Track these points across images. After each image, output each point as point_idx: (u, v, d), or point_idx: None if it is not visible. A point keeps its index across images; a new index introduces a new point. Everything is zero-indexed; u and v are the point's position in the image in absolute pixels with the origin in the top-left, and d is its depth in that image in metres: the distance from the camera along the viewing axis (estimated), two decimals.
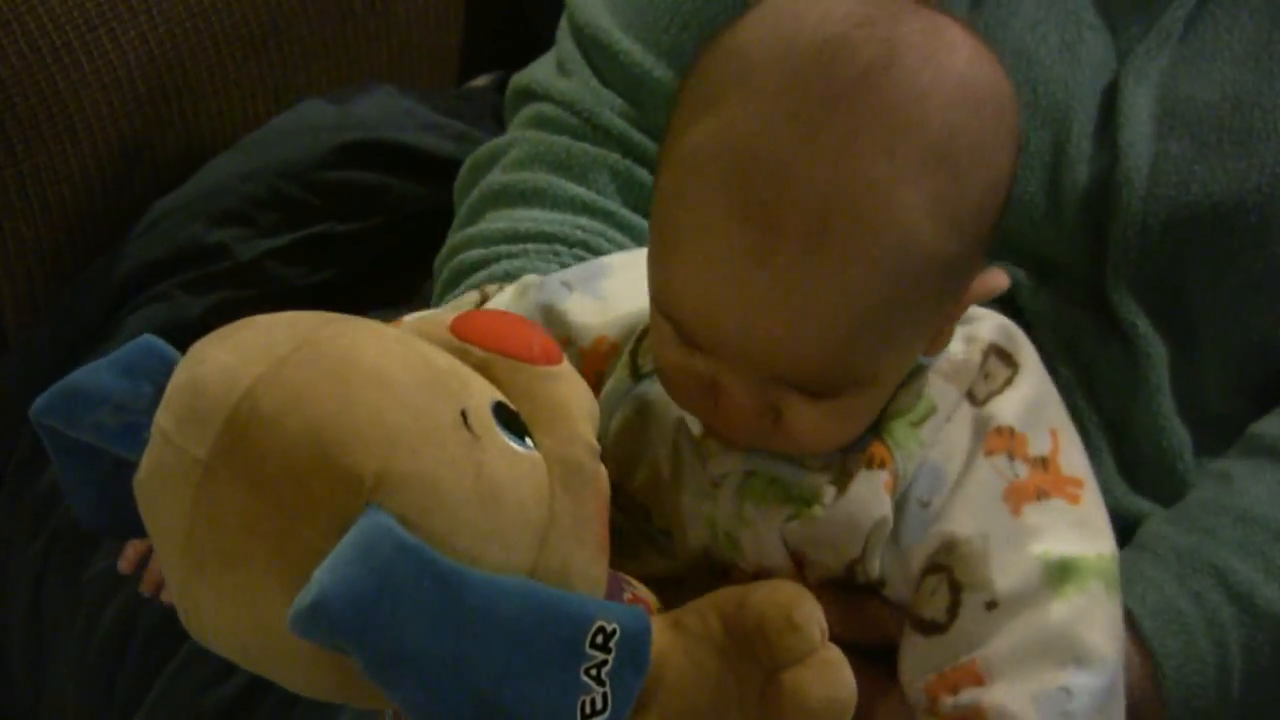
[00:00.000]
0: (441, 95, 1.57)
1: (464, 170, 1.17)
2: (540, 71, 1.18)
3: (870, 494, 0.84)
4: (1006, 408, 0.86)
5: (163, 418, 0.76)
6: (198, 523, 0.74)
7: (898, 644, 0.86)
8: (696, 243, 0.79)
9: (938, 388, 0.86)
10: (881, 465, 0.85)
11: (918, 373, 0.85)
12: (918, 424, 0.86)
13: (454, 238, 1.12)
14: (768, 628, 0.77)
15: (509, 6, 1.65)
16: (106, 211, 1.39)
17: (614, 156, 1.11)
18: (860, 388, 0.81)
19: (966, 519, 0.84)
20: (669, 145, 0.81)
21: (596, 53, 1.14)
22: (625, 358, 0.90)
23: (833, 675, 0.78)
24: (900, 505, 0.85)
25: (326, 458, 0.72)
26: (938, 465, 0.86)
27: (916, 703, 0.84)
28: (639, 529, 0.90)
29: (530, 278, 0.96)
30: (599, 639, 0.74)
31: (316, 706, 1.08)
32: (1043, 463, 0.85)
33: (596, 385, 0.90)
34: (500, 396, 0.78)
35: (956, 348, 0.87)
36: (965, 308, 0.85)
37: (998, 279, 0.85)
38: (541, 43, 1.20)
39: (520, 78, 1.19)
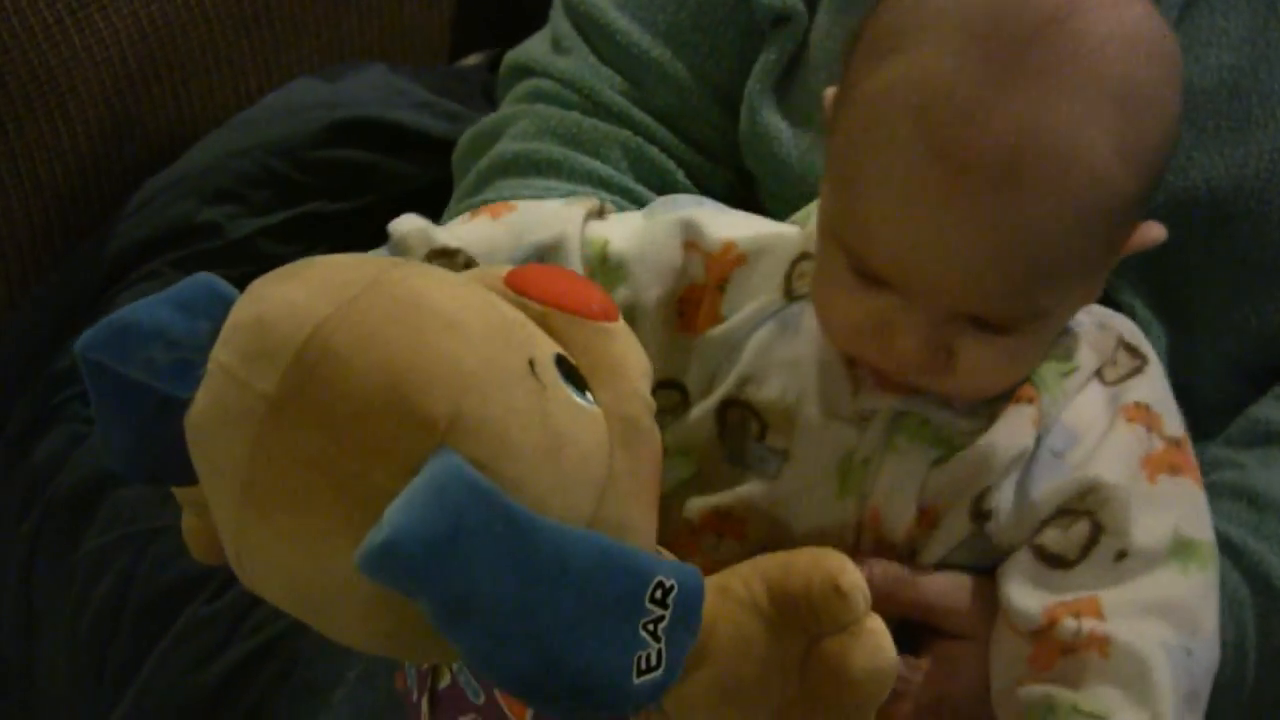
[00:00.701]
0: (433, 74, 1.56)
1: (464, 141, 1.17)
2: (536, 48, 1.18)
3: (1018, 425, 0.86)
4: (1141, 389, 0.88)
5: (224, 353, 0.75)
6: (259, 461, 0.73)
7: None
8: (888, 181, 0.81)
9: (1082, 350, 0.89)
10: (1030, 401, 0.87)
11: (1068, 332, 0.88)
12: (1064, 375, 0.88)
13: (458, 206, 1.11)
14: (813, 594, 0.76)
15: None
16: (98, 189, 1.39)
17: (624, 133, 1.11)
18: (1036, 323, 0.84)
19: (1113, 470, 0.86)
20: (850, 89, 0.84)
21: (593, 31, 1.14)
22: (779, 279, 0.90)
23: (876, 644, 0.77)
24: (1035, 449, 0.87)
25: (400, 398, 0.71)
26: (1071, 425, 0.87)
27: (1026, 623, 0.85)
28: (745, 449, 0.90)
29: (660, 201, 0.97)
30: (658, 594, 0.74)
31: (308, 684, 1.12)
32: (1176, 443, 0.88)
33: (719, 291, 0.92)
34: (560, 350, 0.78)
35: (1093, 328, 0.90)
36: (1124, 254, 0.87)
37: (1157, 229, 0.87)
38: (533, 22, 1.20)
39: (515, 54, 1.19)
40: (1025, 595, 0.85)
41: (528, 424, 0.73)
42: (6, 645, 1.30)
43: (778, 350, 0.90)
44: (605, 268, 0.94)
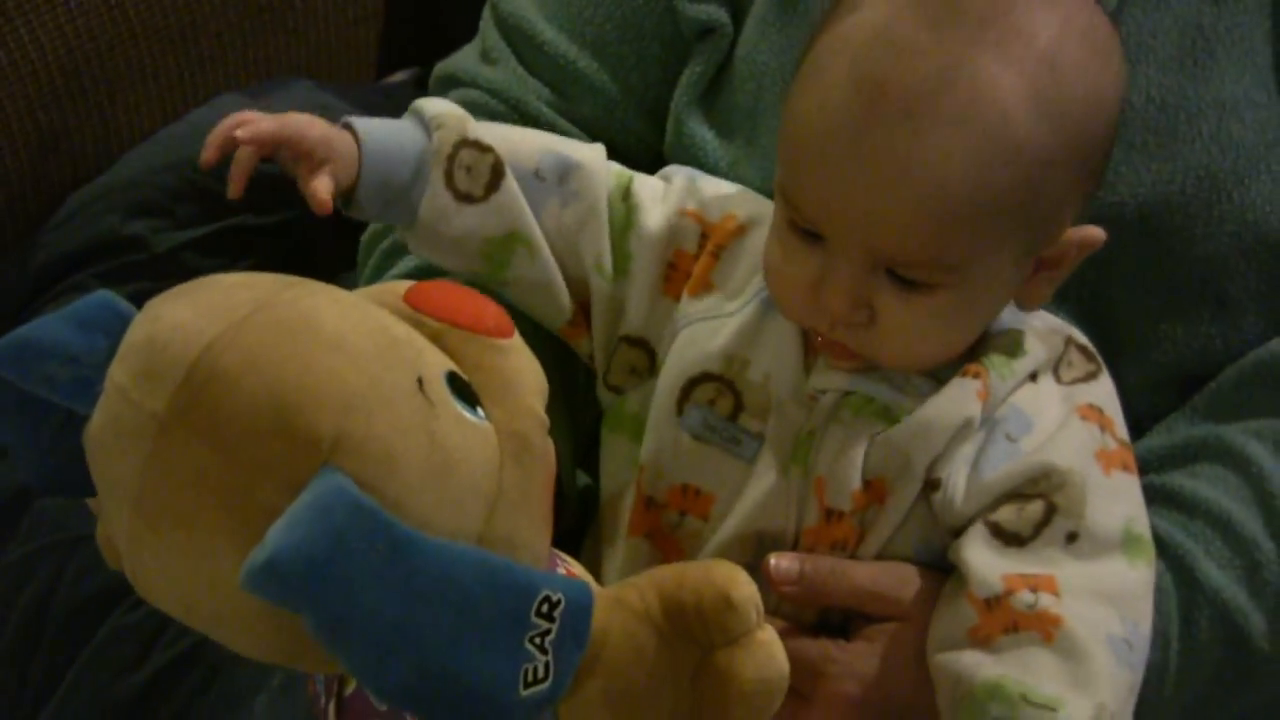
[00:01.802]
0: (359, 90, 1.57)
1: None
2: (465, 59, 1.17)
3: (961, 395, 0.89)
4: (1094, 393, 0.92)
5: (118, 372, 0.75)
6: (150, 479, 0.73)
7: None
8: (817, 115, 0.85)
9: (1029, 341, 0.92)
10: (975, 376, 0.89)
11: (1014, 330, 0.91)
12: (1011, 356, 0.91)
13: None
14: (705, 606, 0.77)
15: (426, 3, 1.66)
16: (23, 203, 1.39)
17: None
18: (953, 279, 0.86)
19: (1067, 457, 0.88)
20: (809, 48, 0.88)
21: (521, 42, 1.13)
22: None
23: (766, 656, 0.77)
24: (989, 432, 0.90)
25: (285, 418, 0.72)
26: (1027, 414, 0.90)
27: (984, 589, 0.86)
28: (713, 425, 0.92)
29: (668, 169, 1.00)
30: (544, 608, 0.74)
31: (230, 691, 1.12)
32: (1126, 445, 0.91)
33: (714, 258, 0.95)
34: (453, 366, 0.78)
35: (1041, 328, 0.93)
36: (1062, 262, 0.90)
37: (1095, 232, 0.90)
38: (458, 39, 1.20)
39: (444, 65, 1.19)
40: (986, 563, 0.87)
41: (413, 442, 0.74)
42: None
43: (760, 332, 0.92)
44: (626, 204, 0.97)
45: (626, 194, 0.98)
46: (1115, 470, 0.90)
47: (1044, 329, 0.93)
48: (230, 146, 0.95)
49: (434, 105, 0.97)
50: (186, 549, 0.73)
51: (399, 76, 1.66)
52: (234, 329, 0.73)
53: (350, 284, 1.08)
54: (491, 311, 0.81)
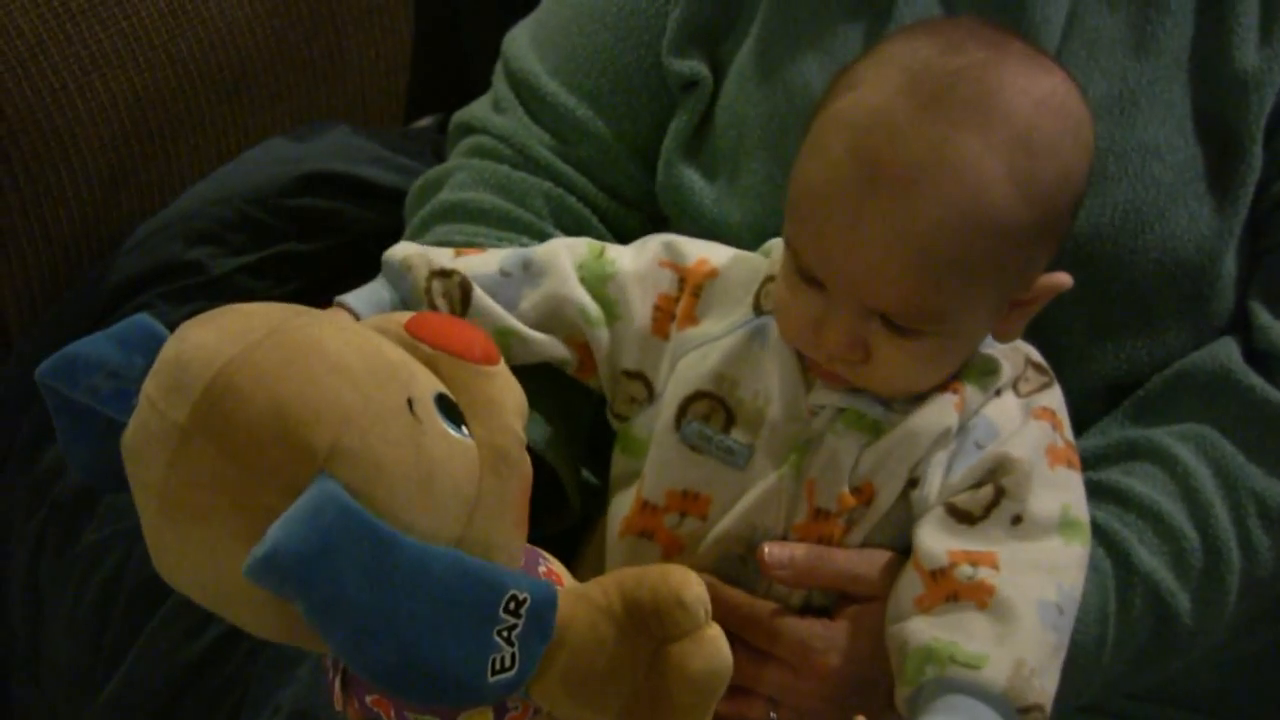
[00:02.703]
0: (389, 134, 1.58)
1: (414, 190, 1.18)
2: (479, 109, 1.20)
3: (940, 408, 0.92)
4: (1048, 399, 0.95)
5: (150, 386, 0.78)
6: (172, 479, 0.76)
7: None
8: (821, 183, 0.88)
9: (1000, 362, 0.95)
10: (954, 391, 0.93)
11: (986, 351, 0.94)
12: (984, 375, 0.94)
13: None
14: (660, 604, 0.79)
15: (450, 56, 1.66)
16: (97, 232, 1.40)
17: (546, 184, 1.13)
18: (938, 328, 0.89)
19: (1021, 450, 0.92)
20: (814, 120, 0.90)
21: (527, 94, 1.16)
22: (750, 296, 0.96)
23: (713, 649, 0.79)
24: (961, 441, 0.92)
25: (287, 430, 0.74)
26: (993, 422, 0.93)
27: (930, 561, 0.90)
28: (708, 438, 0.94)
29: (645, 238, 1.01)
30: (511, 605, 0.76)
31: (278, 659, 1.14)
32: (1072, 445, 0.94)
33: (694, 296, 0.97)
34: (443, 388, 0.80)
35: (1006, 349, 0.95)
36: (1034, 301, 0.93)
37: (1063, 279, 0.92)
38: (478, 88, 1.23)
39: (461, 114, 1.21)
40: (934, 539, 0.90)
41: (400, 455, 0.76)
42: (17, 626, 1.32)
43: (750, 356, 0.94)
44: (600, 260, 0.99)
45: (600, 253, 1.00)
46: (1060, 466, 0.92)
47: (1008, 349, 0.95)
48: None
49: (400, 251, 0.99)
50: (201, 541, 0.76)
51: (424, 121, 1.67)
52: (248, 350, 0.76)
53: None
54: (480, 341, 0.83)
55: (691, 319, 0.97)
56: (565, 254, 0.99)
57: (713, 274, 0.98)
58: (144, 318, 0.82)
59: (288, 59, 1.50)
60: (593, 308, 0.98)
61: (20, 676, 1.33)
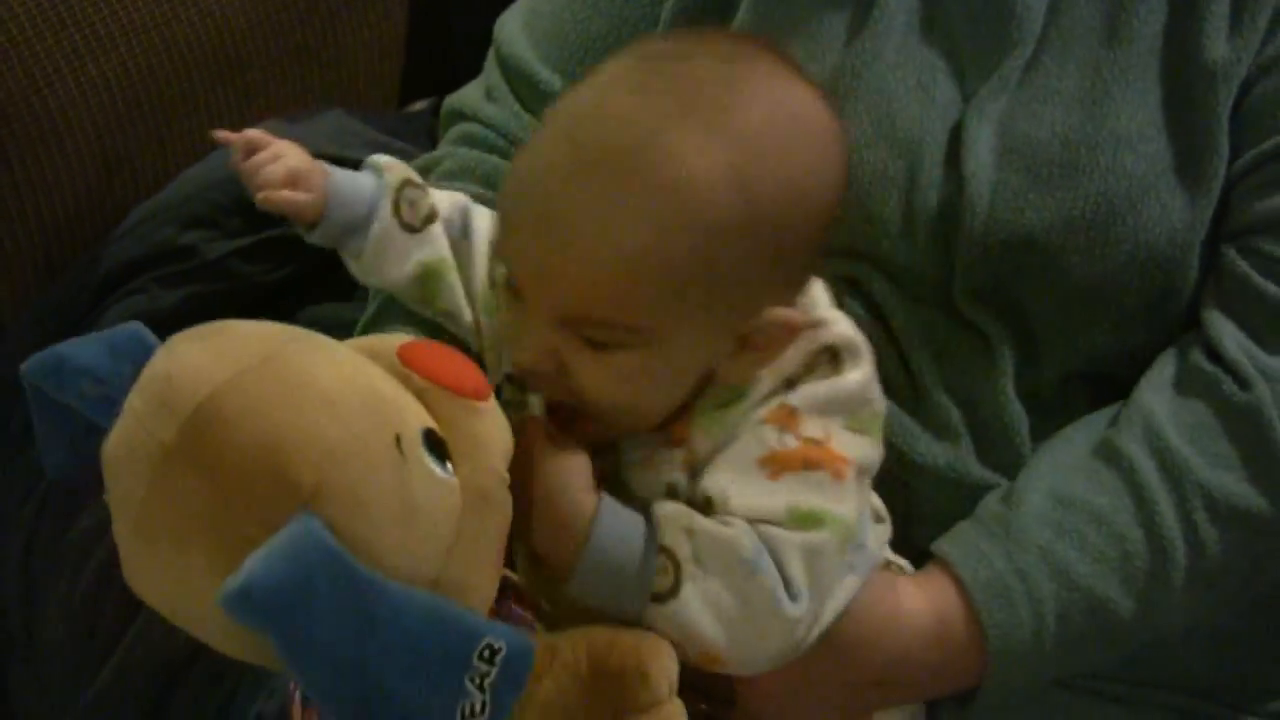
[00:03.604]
0: (384, 117, 1.58)
1: None
2: (470, 95, 1.20)
3: (664, 464, 0.91)
4: (806, 393, 0.90)
5: (137, 399, 0.77)
6: (152, 498, 0.76)
7: None
8: (524, 173, 0.86)
9: (755, 379, 0.90)
10: (680, 444, 0.91)
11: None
12: (722, 406, 0.90)
13: None
14: (625, 674, 0.80)
15: (443, 41, 1.66)
16: (90, 216, 1.40)
17: None
18: (634, 339, 0.86)
19: (718, 475, 0.89)
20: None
21: (519, 81, 1.16)
22: None
23: None
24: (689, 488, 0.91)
25: (273, 464, 0.74)
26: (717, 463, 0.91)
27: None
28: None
29: None
30: (486, 653, 0.75)
31: None
32: (816, 442, 0.89)
33: None
34: (431, 423, 0.80)
35: (790, 348, 0.91)
36: (767, 345, 0.88)
37: (794, 316, 0.89)
38: (472, 72, 1.23)
39: (452, 100, 1.22)
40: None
41: (384, 493, 0.76)
42: (10, 610, 1.32)
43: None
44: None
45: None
46: (788, 473, 0.88)
47: (802, 339, 0.90)
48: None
49: (384, 158, 1.02)
50: (175, 563, 0.76)
51: (418, 105, 1.66)
52: (239, 376, 0.76)
53: (367, 293, 1.10)
54: (471, 375, 0.83)
55: None
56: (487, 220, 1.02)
57: None
58: (138, 326, 0.81)
59: (281, 42, 1.50)
60: (468, 316, 1.02)
61: (14, 661, 1.33)
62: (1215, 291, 1.04)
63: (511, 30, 1.17)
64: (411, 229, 1.01)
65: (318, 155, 1.37)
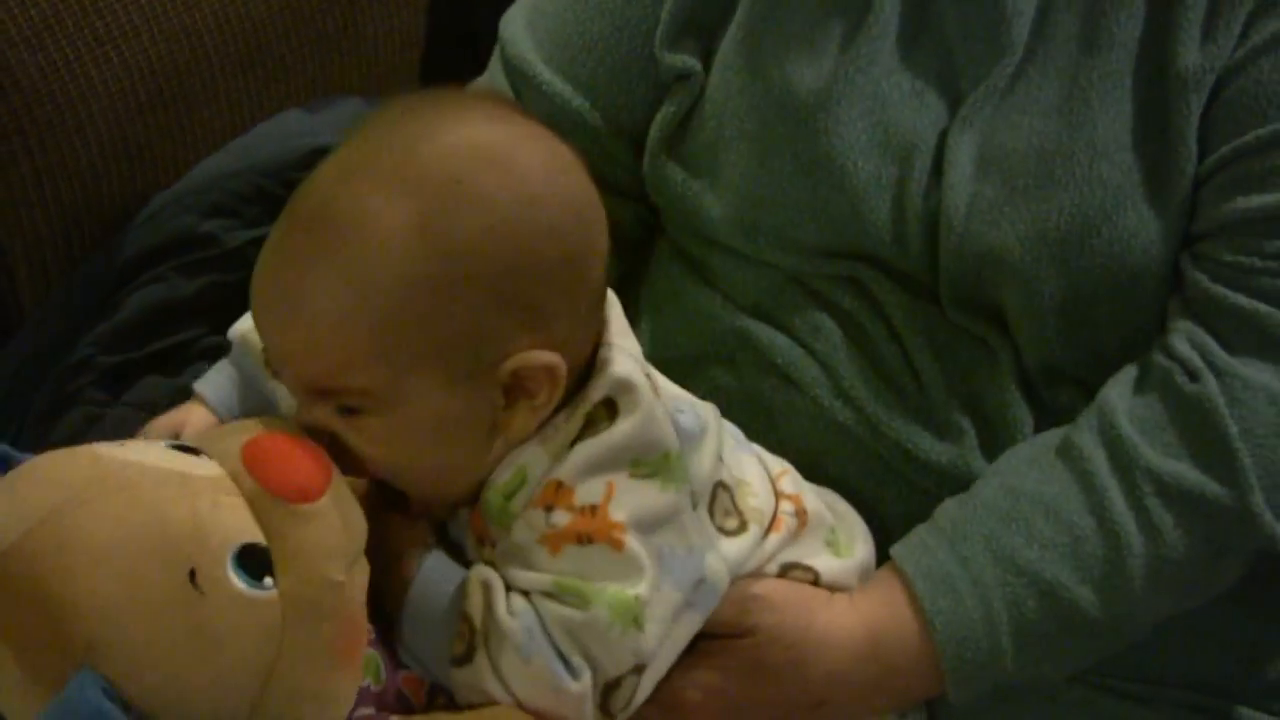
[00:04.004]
0: None
1: None
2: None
3: (485, 556, 0.91)
4: (574, 460, 0.89)
5: None
6: None
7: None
8: (262, 255, 0.87)
9: (531, 456, 0.90)
10: (483, 540, 0.92)
11: (514, 454, 0.90)
12: (509, 496, 0.90)
13: None
14: None
15: (464, 30, 1.62)
16: (110, 204, 1.40)
17: None
18: (372, 403, 0.86)
19: (504, 561, 0.90)
20: None
21: (522, 83, 1.15)
22: None
23: None
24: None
25: (47, 625, 0.76)
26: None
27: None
28: None
29: None
30: None
31: None
32: (589, 510, 0.88)
33: None
34: (252, 537, 0.80)
35: (561, 419, 0.90)
36: (536, 391, 0.87)
37: (552, 359, 0.87)
38: (488, 64, 1.22)
39: None
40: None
41: (171, 637, 0.77)
42: None
43: None
44: None
45: None
46: (568, 545, 0.88)
47: (558, 421, 0.89)
48: None
49: (240, 325, 1.02)
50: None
51: None
52: (24, 538, 0.77)
53: None
54: (301, 475, 0.82)
55: None
56: None
57: None
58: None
59: (302, 31, 1.49)
60: None
61: None
62: (1179, 296, 1.04)
63: (515, 30, 1.17)
64: None
65: (337, 145, 1.41)
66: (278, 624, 0.79)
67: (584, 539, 0.88)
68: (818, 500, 1.03)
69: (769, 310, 1.09)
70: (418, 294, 0.84)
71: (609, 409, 0.90)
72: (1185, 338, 1.02)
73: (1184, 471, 0.99)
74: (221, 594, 0.78)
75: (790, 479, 1.03)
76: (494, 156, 0.86)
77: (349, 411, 0.86)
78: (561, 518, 0.88)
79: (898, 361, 1.06)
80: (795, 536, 0.99)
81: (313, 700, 0.81)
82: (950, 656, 0.97)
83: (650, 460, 0.89)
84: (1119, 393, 1.02)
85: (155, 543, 0.78)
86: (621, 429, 0.89)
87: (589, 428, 0.89)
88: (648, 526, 0.89)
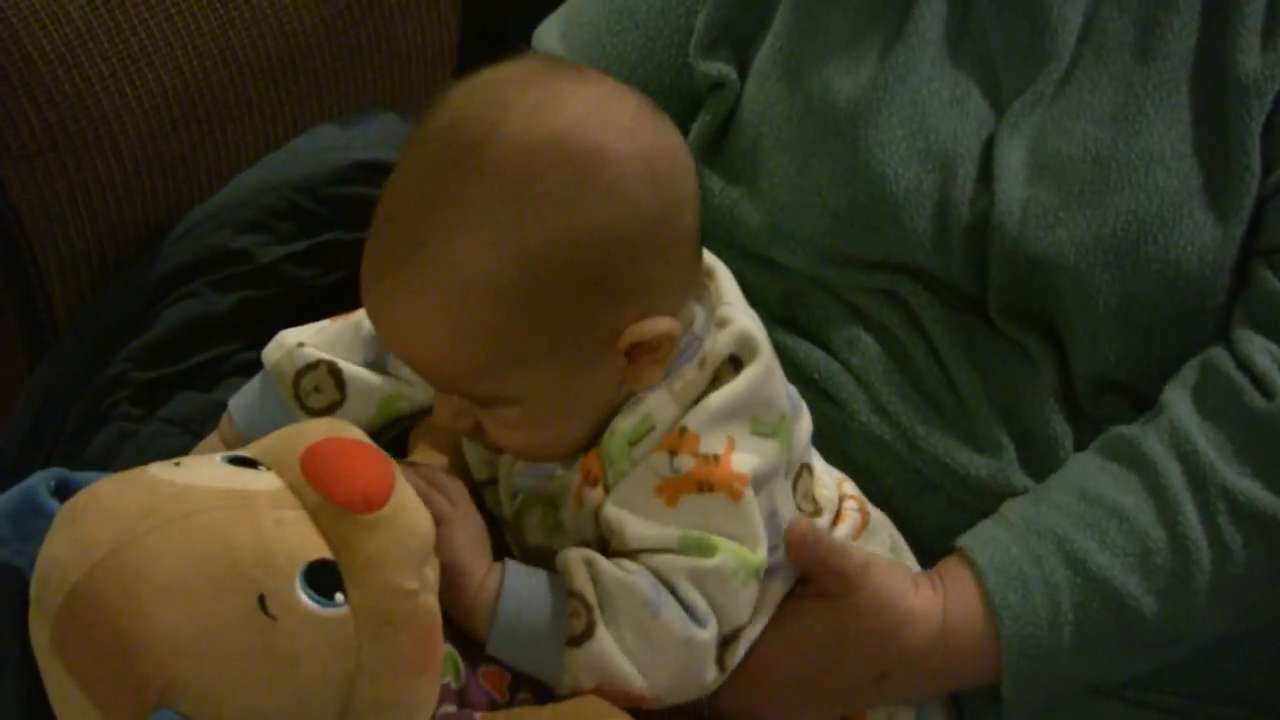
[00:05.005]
0: None
1: None
2: None
3: (592, 503, 0.91)
4: (700, 408, 0.90)
5: (35, 579, 0.79)
6: (47, 679, 0.78)
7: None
8: (367, 251, 0.89)
9: (659, 405, 0.90)
10: (595, 482, 0.91)
11: (641, 397, 0.90)
12: (634, 441, 0.90)
13: None
14: None
15: (496, 45, 1.52)
16: (144, 220, 1.40)
17: None
18: (502, 399, 0.87)
19: (616, 508, 0.90)
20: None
21: None
22: None
23: None
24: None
25: (122, 667, 0.74)
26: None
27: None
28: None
29: None
30: None
31: None
32: (713, 459, 0.89)
33: None
34: (319, 553, 0.79)
35: (691, 372, 0.90)
36: (658, 347, 0.88)
37: (657, 324, 0.88)
38: None
39: None
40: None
41: (247, 665, 0.75)
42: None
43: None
44: None
45: None
46: (685, 495, 0.88)
47: (689, 376, 0.90)
48: None
49: (271, 355, 1.00)
50: (77, 708, 0.78)
51: None
52: (89, 575, 0.76)
53: None
54: (363, 483, 0.80)
55: None
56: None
57: None
58: (35, 490, 0.83)
59: (335, 47, 1.50)
60: None
61: None
62: (1246, 307, 1.03)
63: (549, 43, 1.18)
64: (335, 406, 1.00)
65: (371, 160, 1.42)
66: (352, 639, 0.78)
67: (704, 486, 0.89)
68: (878, 510, 1.04)
69: (806, 325, 1.09)
70: (515, 307, 0.85)
71: (734, 365, 0.91)
72: (1264, 354, 1.01)
73: (1257, 492, 0.98)
74: (293, 617, 0.77)
75: (850, 484, 1.03)
76: (567, 154, 0.85)
77: (483, 403, 0.88)
78: (685, 462, 0.89)
79: (936, 376, 1.05)
80: (858, 533, 0.99)
81: (395, 709, 0.80)
82: (1012, 652, 0.97)
83: (768, 420, 0.91)
84: (1187, 406, 1.02)
85: (222, 571, 0.77)
86: (747, 375, 0.90)
87: (714, 382, 0.90)
88: (759, 484, 0.90)
